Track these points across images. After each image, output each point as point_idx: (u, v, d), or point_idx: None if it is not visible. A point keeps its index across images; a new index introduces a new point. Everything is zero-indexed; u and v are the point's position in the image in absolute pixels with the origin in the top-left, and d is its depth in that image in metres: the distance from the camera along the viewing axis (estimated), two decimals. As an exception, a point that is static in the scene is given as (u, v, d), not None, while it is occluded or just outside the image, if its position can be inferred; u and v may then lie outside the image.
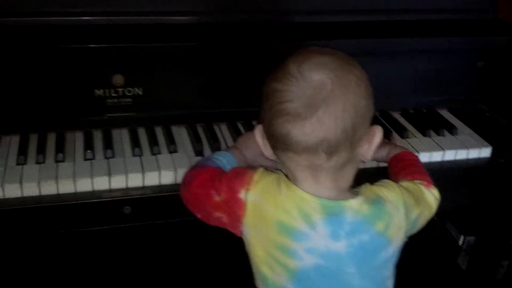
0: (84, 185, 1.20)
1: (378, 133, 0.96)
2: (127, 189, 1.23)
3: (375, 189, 1.00)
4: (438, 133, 1.50)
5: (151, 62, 1.35)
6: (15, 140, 1.31)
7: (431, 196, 1.09)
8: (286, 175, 1.00)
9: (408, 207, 1.00)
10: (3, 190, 1.16)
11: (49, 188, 1.18)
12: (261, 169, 1.01)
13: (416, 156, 1.23)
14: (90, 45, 1.28)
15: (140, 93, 1.36)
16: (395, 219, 0.98)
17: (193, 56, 1.37)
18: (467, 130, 1.55)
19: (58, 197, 1.19)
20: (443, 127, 1.52)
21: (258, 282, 1.04)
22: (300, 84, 0.90)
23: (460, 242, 1.89)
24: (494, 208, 1.66)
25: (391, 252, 1.00)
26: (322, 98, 0.88)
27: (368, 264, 0.98)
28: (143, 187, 1.24)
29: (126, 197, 1.22)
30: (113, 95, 1.35)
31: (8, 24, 1.26)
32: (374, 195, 0.98)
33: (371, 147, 0.96)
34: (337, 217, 0.94)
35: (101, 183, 1.22)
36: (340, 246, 0.94)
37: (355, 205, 0.95)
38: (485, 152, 1.47)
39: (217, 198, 1.00)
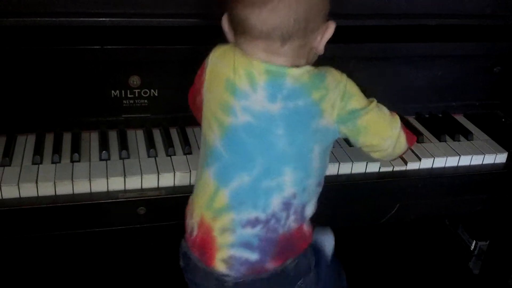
0: (99, 185, 1.21)
1: (331, 28, 1.05)
2: (142, 190, 1.24)
3: (328, 67, 1.06)
4: (453, 138, 1.50)
5: (167, 63, 1.35)
6: (31, 139, 1.32)
7: (395, 127, 1.12)
8: None
9: (347, 93, 1.05)
10: (18, 189, 1.17)
11: (64, 188, 1.19)
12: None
13: None
14: (107, 47, 1.29)
15: (156, 94, 1.37)
16: (331, 94, 1.04)
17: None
18: (483, 135, 1.55)
19: (73, 197, 1.20)
20: (459, 132, 1.51)
21: (202, 146, 1.12)
22: None
23: (472, 247, 1.89)
24: (507, 214, 1.66)
25: (322, 126, 1.05)
26: None
27: (298, 130, 1.04)
28: (158, 188, 1.25)
29: (141, 198, 1.22)
30: (129, 96, 1.36)
31: (27, 25, 1.26)
32: (323, 68, 1.06)
33: (323, 40, 1.05)
34: (277, 81, 1.02)
35: (116, 184, 1.22)
36: (275, 107, 1.02)
37: (296, 73, 1.02)
38: (501, 158, 1.47)
39: (197, 85, 1.12)
